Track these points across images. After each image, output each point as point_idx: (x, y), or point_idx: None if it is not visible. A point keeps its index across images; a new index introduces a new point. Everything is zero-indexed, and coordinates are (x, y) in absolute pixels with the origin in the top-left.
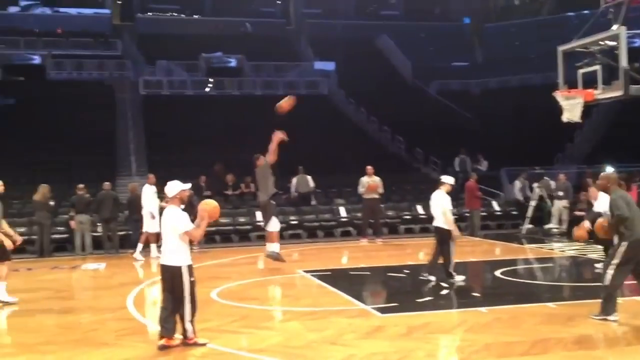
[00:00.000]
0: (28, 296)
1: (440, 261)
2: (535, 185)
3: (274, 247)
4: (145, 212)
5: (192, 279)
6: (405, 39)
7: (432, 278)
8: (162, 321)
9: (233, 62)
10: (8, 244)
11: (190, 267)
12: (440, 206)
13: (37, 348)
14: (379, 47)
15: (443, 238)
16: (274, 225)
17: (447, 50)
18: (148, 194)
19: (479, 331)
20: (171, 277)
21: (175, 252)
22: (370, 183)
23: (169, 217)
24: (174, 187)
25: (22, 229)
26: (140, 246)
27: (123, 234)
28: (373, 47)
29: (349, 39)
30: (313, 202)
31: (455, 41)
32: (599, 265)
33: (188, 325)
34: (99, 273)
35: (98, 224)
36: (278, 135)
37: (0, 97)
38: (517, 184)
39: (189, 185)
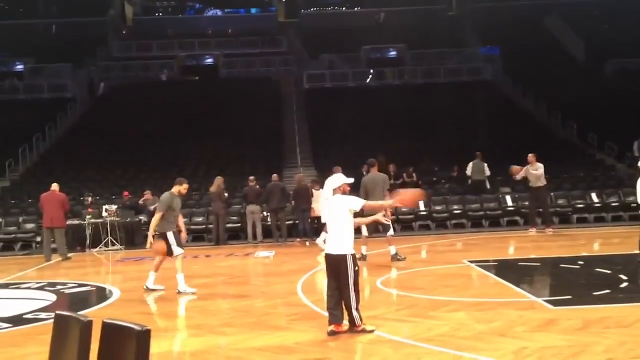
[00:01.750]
0: (207, 281)
1: None
2: None
3: (393, 249)
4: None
5: (356, 268)
6: (577, 17)
7: None
8: (330, 308)
9: (394, 52)
10: (183, 236)
11: (354, 256)
12: None
13: (217, 329)
14: (547, 28)
15: None
16: (391, 231)
17: (624, 27)
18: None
19: None
20: (336, 266)
21: (340, 241)
22: (513, 167)
23: (338, 204)
24: (337, 180)
25: (200, 219)
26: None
27: (290, 224)
28: (541, 28)
29: (514, 21)
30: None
31: (634, 17)
32: None
33: (355, 313)
34: (269, 260)
35: (267, 213)
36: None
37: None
38: None
39: (351, 180)
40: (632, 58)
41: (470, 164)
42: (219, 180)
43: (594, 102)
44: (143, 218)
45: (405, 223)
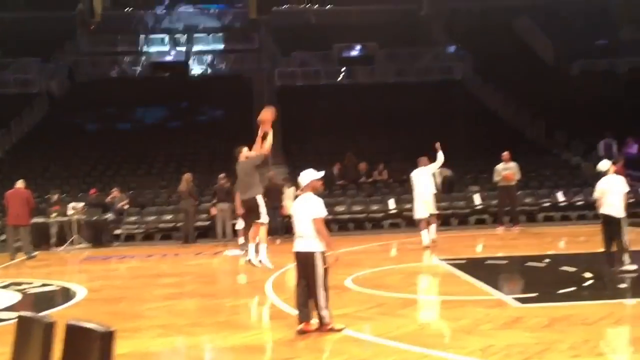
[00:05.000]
0: (175, 280)
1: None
2: None
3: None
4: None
5: (325, 266)
6: (546, 18)
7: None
8: (299, 307)
9: (366, 51)
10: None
11: (323, 254)
12: (619, 191)
13: (184, 329)
14: (517, 28)
15: (615, 226)
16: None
17: (592, 28)
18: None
19: (627, 324)
20: (305, 264)
21: (308, 238)
22: (504, 173)
23: (304, 204)
24: (308, 176)
25: (169, 217)
26: None
27: None
28: (511, 29)
29: (485, 21)
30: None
31: (601, 18)
32: None
33: (324, 312)
34: (238, 259)
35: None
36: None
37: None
38: None
39: (321, 174)
40: (598, 59)
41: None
42: (188, 178)
43: (561, 102)
44: (110, 216)
45: (376, 222)
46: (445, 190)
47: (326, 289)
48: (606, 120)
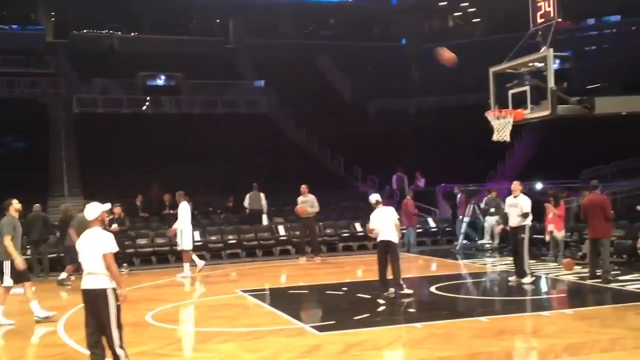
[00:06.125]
0: None
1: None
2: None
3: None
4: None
5: (117, 304)
6: (345, 59)
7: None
8: (90, 348)
9: (171, 81)
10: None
11: (114, 291)
12: (394, 220)
13: None
14: (319, 67)
15: (394, 251)
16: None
17: (385, 70)
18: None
19: (414, 346)
20: (95, 302)
21: (99, 275)
22: (298, 207)
23: (93, 239)
24: (94, 209)
25: None
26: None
27: (54, 257)
28: (313, 67)
29: (289, 58)
30: (265, 222)
31: (393, 62)
32: (512, 279)
33: (119, 351)
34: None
35: (27, 246)
36: None
37: None
38: (470, 207)
39: (108, 206)
40: (392, 99)
41: (248, 195)
42: None
43: (359, 138)
44: None
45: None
46: (257, 220)
47: (119, 326)
48: (398, 155)
